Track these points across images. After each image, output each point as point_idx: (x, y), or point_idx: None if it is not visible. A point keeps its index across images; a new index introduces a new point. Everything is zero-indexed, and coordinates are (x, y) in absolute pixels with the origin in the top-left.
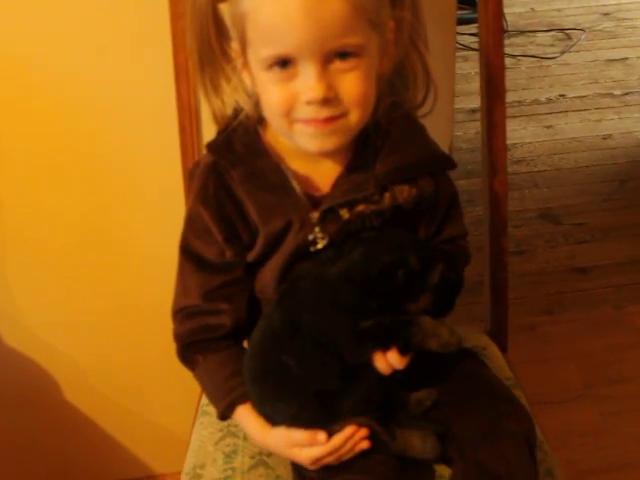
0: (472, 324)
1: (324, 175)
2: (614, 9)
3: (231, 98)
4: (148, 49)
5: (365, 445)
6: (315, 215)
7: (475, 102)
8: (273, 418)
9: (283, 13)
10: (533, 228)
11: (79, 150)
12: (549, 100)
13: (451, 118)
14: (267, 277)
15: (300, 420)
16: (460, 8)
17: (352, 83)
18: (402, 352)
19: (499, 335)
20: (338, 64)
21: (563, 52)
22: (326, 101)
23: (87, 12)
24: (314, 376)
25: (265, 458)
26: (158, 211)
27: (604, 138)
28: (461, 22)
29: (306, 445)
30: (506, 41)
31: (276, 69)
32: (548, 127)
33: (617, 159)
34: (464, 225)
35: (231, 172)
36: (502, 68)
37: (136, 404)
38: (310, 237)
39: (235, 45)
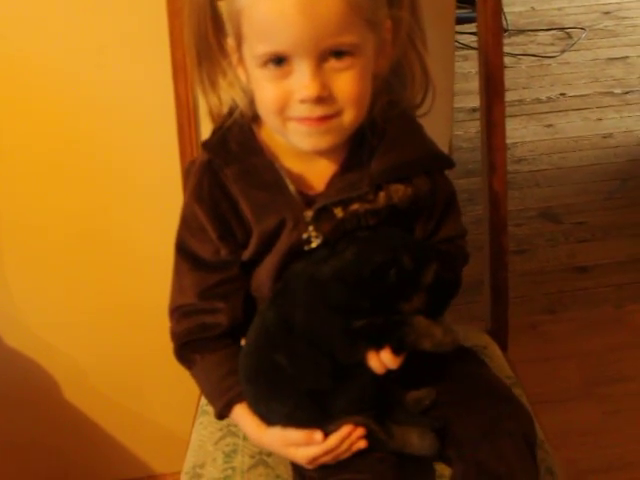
0: (473, 323)
1: (319, 174)
2: (615, 8)
3: (227, 94)
4: (146, 47)
5: (362, 444)
6: (309, 214)
7: (475, 101)
8: (268, 417)
9: (279, 10)
10: (534, 227)
11: (77, 149)
12: (550, 99)
13: (450, 117)
14: (262, 276)
15: (294, 419)
16: (460, 7)
17: (347, 82)
18: (395, 352)
19: (499, 334)
20: (333, 63)
21: (564, 51)
22: (320, 100)
23: (85, 11)
24: (307, 375)
25: (265, 457)
26: (157, 210)
27: (605, 137)
28: (461, 21)
29: (302, 444)
30: (506, 40)
31: (271, 66)
32: (549, 126)
33: (618, 158)
34: (462, 224)
35: (225, 170)
36: (501, 67)
37: (136, 404)
38: (304, 236)
39: (231, 41)
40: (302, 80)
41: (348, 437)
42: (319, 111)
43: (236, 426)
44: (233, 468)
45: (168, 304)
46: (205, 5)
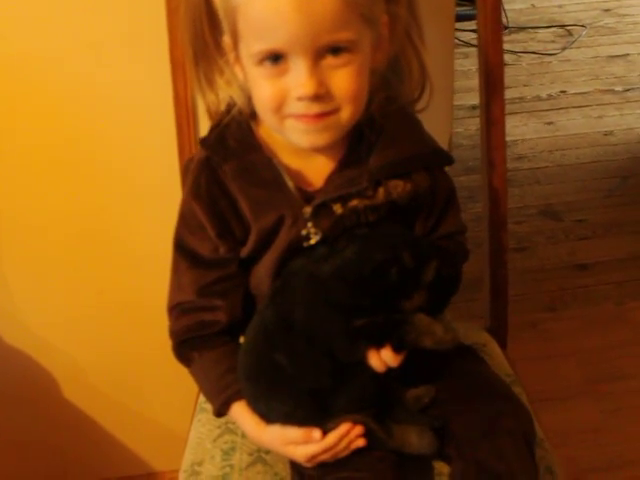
0: (472, 321)
1: (317, 170)
2: (615, 5)
3: (225, 92)
4: (145, 46)
5: (361, 443)
6: (308, 210)
7: (475, 99)
8: (267, 416)
9: (274, 7)
10: (534, 225)
11: (76, 148)
12: (550, 96)
13: (450, 114)
14: (261, 273)
15: (294, 418)
16: (460, 4)
17: (344, 79)
18: (396, 350)
19: (499, 332)
20: (330, 59)
21: (564, 48)
22: (317, 97)
23: (83, 9)
24: (307, 374)
25: (263, 455)
26: (156, 209)
27: (605, 134)
28: (461, 18)
29: (301, 443)
30: (507, 37)
31: (267, 64)
32: (549, 123)
33: (618, 155)
34: (462, 221)
35: (224, 167)
36: (501, 64)
37: (135, 402)
38: (303, 232)
39: (227, 39)
40: (299, 78)
41: (347, 435)
42: (316, 108)
43: (234, 424)
44: (231, 466)
45: (167, 302)
46: (200, 3)
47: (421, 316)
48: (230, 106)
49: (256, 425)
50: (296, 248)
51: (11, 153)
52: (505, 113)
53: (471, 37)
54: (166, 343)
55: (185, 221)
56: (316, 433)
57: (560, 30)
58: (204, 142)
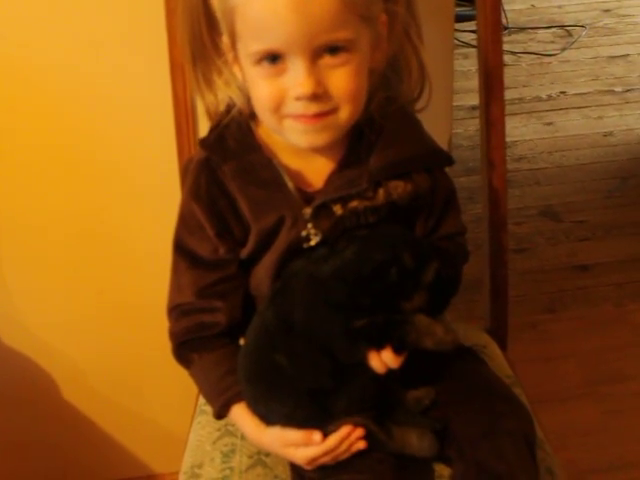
0: (472, 322)
1: (317, 171)
2: (615, 5)
3: (224, 93)
4: (144, 46)
5: (361, 445)
6: (308, 211)
7: (475, 99)
8: (267, 417)
9: (272, 8)
10: (534, 226)
11: (76, 148)
12: (550, 97)
13: (450, 115)
14: (261, 274)
15: (294, 419)
16: (459, 5)
17: (342, 79)
18: (396, 351)
19: (499, 333)
20: (328, 59)
21: (564, 49)
22: (315, 97)
23: (82, 8)
24: (307, 375)
25: (263, 458)
26: (156, 209)
27: (605, 135)
28: (460, 19)
29: (301, 445)
30: (506, 38)
31: (265, 64)
32: (549, 124)
33: (618, 156)
34: (462, 222)
35: (223, 168)
36: (500, 65)
37: (135, 403)
38: (303, 233)
39: (225, 39)
40: (297, 77)
41: (347, 438)
42: (315, 108)
43: (234, 426)
44: (231, 468)
45: (166, 303)
46: (198, 4)
47: (421, 317)
48: (230, 106)
49: (256, 427)
50: (296, 249)
51: (11, 153)
52: (505, 114)
53: (471, 38)
54: (166, 344)
55: (184, 222)
56: (316, 435)
57: (560, 31)
58: (203, 142)
